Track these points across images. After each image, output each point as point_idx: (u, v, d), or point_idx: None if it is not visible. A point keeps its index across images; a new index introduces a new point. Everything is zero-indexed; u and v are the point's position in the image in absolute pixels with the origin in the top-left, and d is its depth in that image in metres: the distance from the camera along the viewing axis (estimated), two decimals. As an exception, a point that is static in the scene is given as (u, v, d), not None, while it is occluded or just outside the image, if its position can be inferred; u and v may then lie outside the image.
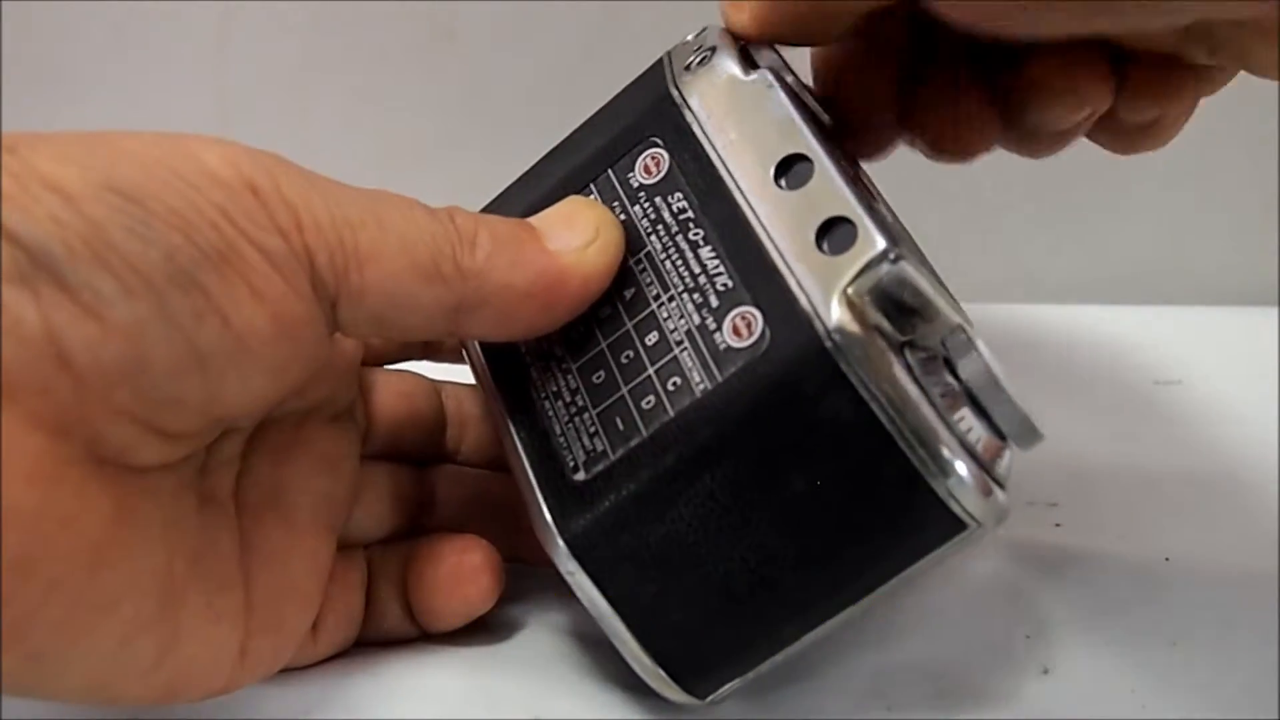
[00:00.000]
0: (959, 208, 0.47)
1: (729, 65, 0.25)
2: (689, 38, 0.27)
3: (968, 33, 0.22)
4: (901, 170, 0.29)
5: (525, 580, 0.29)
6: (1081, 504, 0.35)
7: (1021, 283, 0.51)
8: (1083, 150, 0.28)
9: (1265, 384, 0.42)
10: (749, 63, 0.25)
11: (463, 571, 0.27)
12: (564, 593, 0.29)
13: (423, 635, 0.28)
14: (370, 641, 0.28)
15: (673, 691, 0.25)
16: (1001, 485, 0.22)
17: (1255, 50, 0.24)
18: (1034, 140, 0.28)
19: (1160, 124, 0.27)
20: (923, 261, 0.25)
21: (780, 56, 0.26)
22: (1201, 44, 0.25)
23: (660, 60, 0.27)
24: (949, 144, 0.28)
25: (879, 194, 0.27)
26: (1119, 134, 0.28)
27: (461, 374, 0.31)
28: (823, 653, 0.28)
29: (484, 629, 0.28)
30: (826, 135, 0.24)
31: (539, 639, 0.28)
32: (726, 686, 0.25)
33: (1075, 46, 0.26)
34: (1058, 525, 0.34)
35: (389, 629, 0.28)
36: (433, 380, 0.32)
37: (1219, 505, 0.36)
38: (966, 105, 0.27)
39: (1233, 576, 0.31)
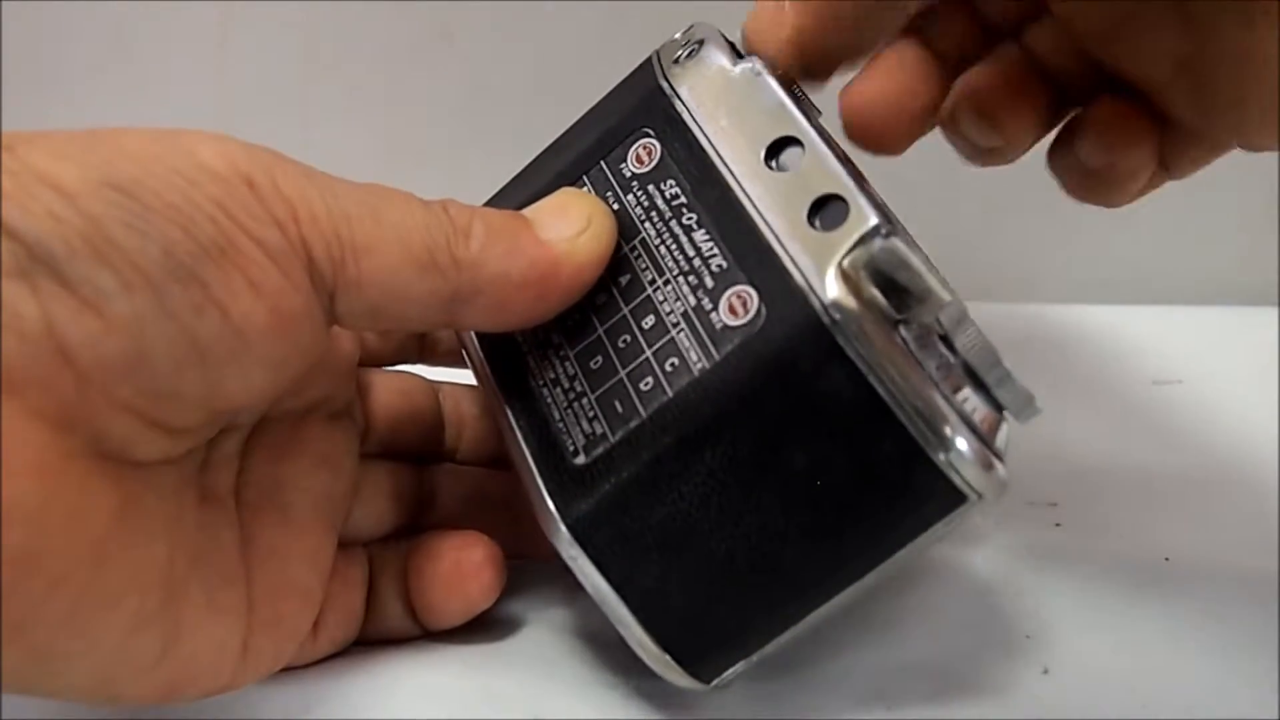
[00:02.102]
0: (959, 207, 0.47)
1: (718, 56, 0.25)
2: (676, 35, 0.27)
3: None
4: (902, 170, 0.29)
5: (526, 578, 0.30)
6: (1081, 504, 0.35)
7: (1021, 283, 0.51)
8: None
9: (1265, 384, 0.42)
10: (736, 54, 0.25)
11: (464, 568, 0.27)
12: (564, 590, 0.29)
13: (424, 633, 0.28)
14: (371, 640, 0.28)
15: (677, 675, 0.25)
16: (1000, 458, 0.22)
17: (1252, 89, 0.24)
18: (963, 145, 0.28)
19: (1113, 175, 0.27)
20: (914, 245, 0.26)
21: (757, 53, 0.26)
22: (1192, 85, 0.25)
23: (649, 58, 0.27)
24: (867, 123, 0.28)
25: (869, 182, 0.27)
26: (1074, 175, 0.28)
27: (458, 375, 0.31)
28: (823, 651, 0.28)
29: (484, 627, 0.28)
30: (815, 121, 0.24)
31: (540, 637, 0.28)
32: (731, 670, 0.25)
33: (1022, 76, 0.26)
34: (1058, 525, 0.34)
35: (390, 627, 0.28)
36: (430, 380, 0.32)
37: (1219, 505, 0.36)
38: (907, 93, 0.28)
39: (1233, 576, 0.31)
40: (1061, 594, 0.31)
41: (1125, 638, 0.29)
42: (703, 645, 0.24)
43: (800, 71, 0.26)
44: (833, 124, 0.27)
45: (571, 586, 0.24)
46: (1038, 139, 0.28)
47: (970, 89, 0.27)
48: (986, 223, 0.50)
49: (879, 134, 0.28)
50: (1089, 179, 0.28)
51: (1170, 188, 0.29)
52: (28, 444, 0.18)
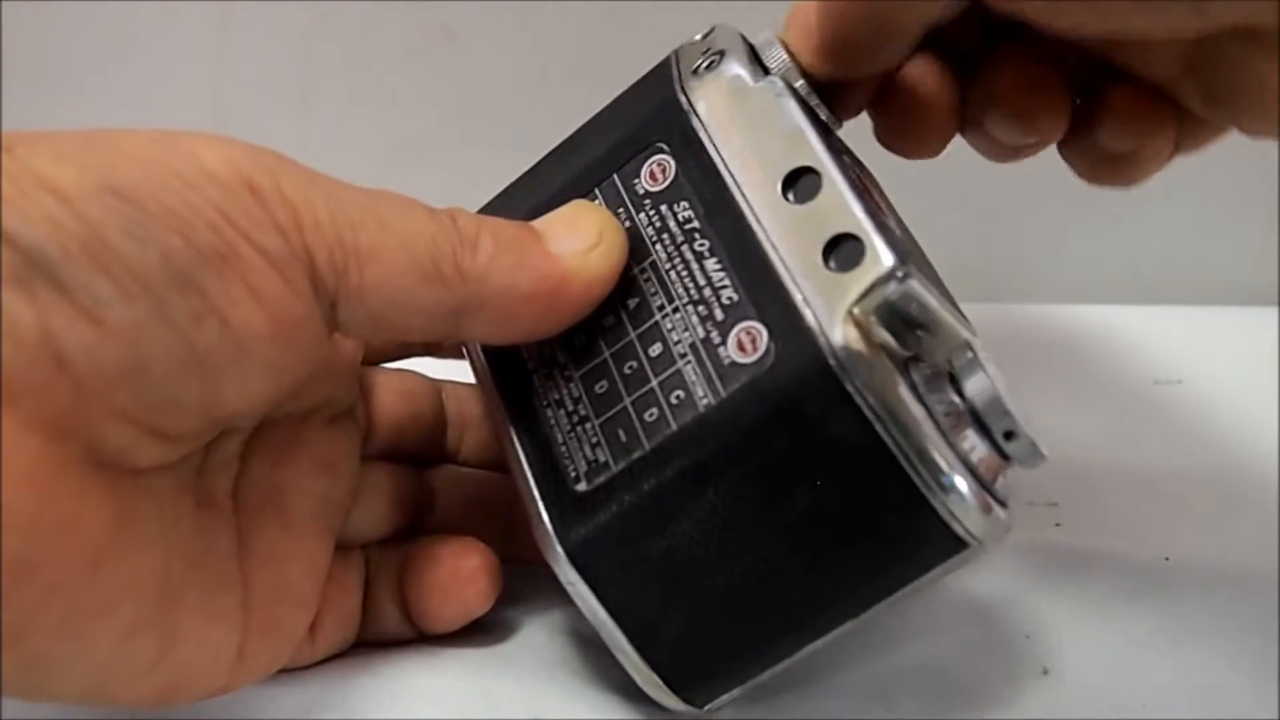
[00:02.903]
0: (961, 207, 0.47)
1: (738, 70, 0.24)
2: (697, 38, 0.26)
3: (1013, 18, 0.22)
4: (904, 169, 0.29)
5: (524, 581, 0.29)
6: (1081, 504, 0.35)
7: (1021, 283, 0.51)
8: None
9: (1265, 384, 0.42)
10: (759, 67, 0.25)
11: (460, 574, 0.27)
12: (563, 594, 0.29)
13: (420, 637, 0.28)
14: (368, 643, 0.28)
15: (671, 700, 0.25)
16: (1003, 503, 0.22)
17: (1254, 97, 0.24)
18: (990, 147, 0.28)
19: (1135, 159, 0.27)
20: (927, 265, 0.25)
21: (793, 59, 0.26)
22: (1199, 84, 0.25)
23: (667, 60, 0.26)
24: (899, 132, 0.28)
25: (886, 201, 0.27)
26: (1092, 159, 0.28)
27: (463, 373, 0.31)
28: (823, 654, 0.28)
29: (483, 630, 0.28)
30: (835, 146, 0.24)
31: (538, 640, 0.28)
32: (724, 696, 0.25)
33: (1040, 70, 0.26)
34: (1058, 525, 0.34)
35: (386, 630, 0.28)
36: (434, 380, 0.31)
37: (1219, 505, 0.36)
38: (932, 101, 0.28)
39: (1233, 576, 0.31)
40: (1061, 594, 0.31)
41: (1125, 638, 0.29)
42: (697, 673, 0.25)
43: (828, 68, 0.25)
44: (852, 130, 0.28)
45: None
46: (1066, 129, 0.27)
47: (993, 93, 0.27)
48: (986, 223, 0.50)
49: (913, 145, 0.28)
50: (1108, 163, 0.27)
51: (1170, 188, 0.29)
52: (23, 452, 0.18)
